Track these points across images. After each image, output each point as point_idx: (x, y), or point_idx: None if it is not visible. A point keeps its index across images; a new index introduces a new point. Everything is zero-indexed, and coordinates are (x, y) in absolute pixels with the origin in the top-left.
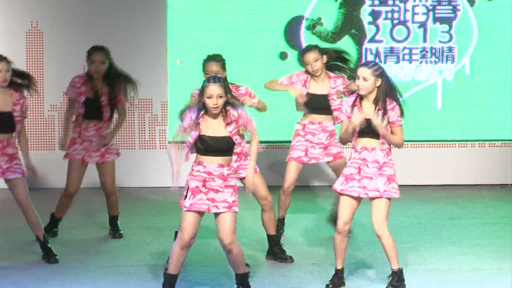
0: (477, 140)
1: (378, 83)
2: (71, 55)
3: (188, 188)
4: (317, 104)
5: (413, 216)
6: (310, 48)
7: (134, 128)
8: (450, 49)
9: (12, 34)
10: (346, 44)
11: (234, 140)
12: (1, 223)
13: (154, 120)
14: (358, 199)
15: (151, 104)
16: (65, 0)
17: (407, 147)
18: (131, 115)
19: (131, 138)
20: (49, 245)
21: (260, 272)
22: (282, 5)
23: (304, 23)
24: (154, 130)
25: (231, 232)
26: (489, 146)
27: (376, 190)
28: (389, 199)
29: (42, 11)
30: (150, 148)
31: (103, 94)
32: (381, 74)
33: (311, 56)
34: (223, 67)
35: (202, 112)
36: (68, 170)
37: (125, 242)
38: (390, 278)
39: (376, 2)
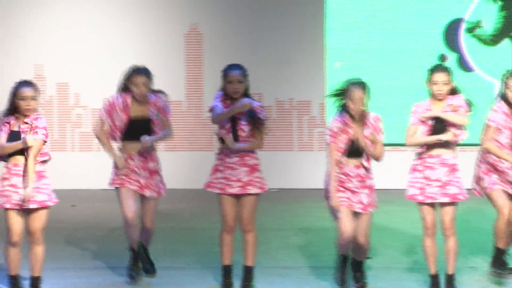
0: None
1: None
2: (230, 56)
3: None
4: None
5: None
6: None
7: (292, 129)
8: None
9: (172, 37)
10: (505, 47)
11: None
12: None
13: (313, 122)
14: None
15: (310, 106)
16: (225, 2)
17: None
18: (289, 117)
19: (290, 140)
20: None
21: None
22: (442, 8)
23: (463, 26)
24: (313, 132)
25: (366, 233)
26: None
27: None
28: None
29: (202, 13)
30: (308, 150)
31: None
32: None
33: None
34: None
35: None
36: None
37: (284, 243)
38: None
39: None
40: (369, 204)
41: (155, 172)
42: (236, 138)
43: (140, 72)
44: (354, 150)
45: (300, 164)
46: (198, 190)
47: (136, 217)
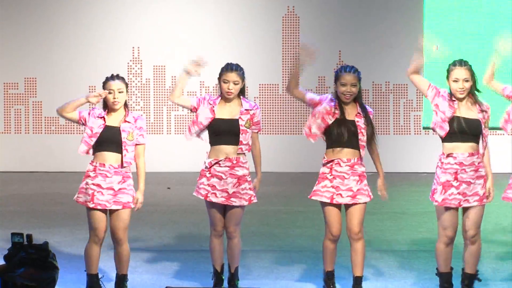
0: None
1: None
2: (326, 40)
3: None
4: None
5: None
6: None
7: (388, 113)
8: None
9: (269, 19)
10: None
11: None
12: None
13: (409, 105)
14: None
15: (406, 90)
16: None
17: None
18: (386, 100)
19: (386, 123)
20: None
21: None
22: None
23: None
24: (409, 116)
25: (478, 225)
26: None
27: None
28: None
29: None
30: (404, 134)
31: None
32: None
33: None
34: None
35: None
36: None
37: (378, 227)
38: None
39: None
40: (484, 195)
41: (243, 179)
42: (357, 141)
43: (231, 68)
44: (463, 130)
45: (395, 148)
46: (292, 173)
47: (222, 233)
